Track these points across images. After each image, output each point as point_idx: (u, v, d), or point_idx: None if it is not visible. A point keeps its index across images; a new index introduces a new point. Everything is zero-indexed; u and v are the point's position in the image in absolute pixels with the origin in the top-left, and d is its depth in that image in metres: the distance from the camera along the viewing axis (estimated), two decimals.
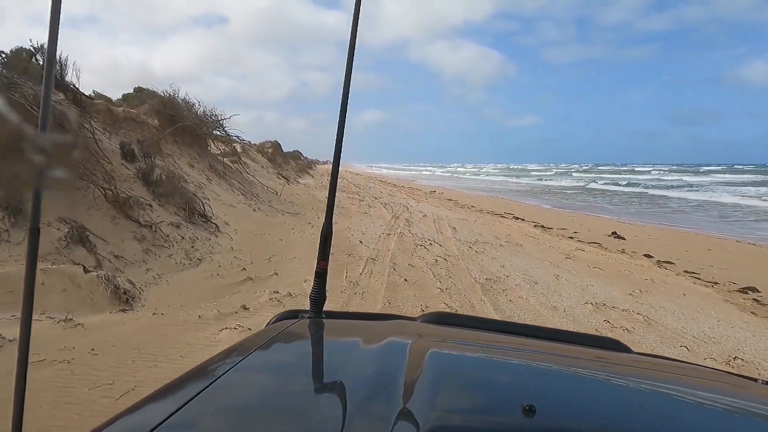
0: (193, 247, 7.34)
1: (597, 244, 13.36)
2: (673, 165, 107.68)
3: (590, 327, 6.12)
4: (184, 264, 6.68)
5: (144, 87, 12.36)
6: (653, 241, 14.62)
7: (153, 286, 5.80)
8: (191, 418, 0.82)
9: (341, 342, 1.41)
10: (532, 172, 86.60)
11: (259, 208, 12.01)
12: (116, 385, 3.35)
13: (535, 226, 16.13)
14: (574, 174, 72.36)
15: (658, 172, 71.94)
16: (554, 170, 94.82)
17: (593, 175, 67.60)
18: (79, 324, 4.19)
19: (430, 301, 6.37)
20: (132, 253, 6.22)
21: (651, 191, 35.95)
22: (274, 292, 5.92)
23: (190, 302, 5.47)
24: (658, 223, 18.92)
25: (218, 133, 14.49)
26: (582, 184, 47.88)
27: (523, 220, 17.63)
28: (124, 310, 4.93)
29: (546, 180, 58.48)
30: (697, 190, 35.09)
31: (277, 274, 6.98)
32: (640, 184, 44.92)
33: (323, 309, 1.51)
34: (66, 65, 7.79)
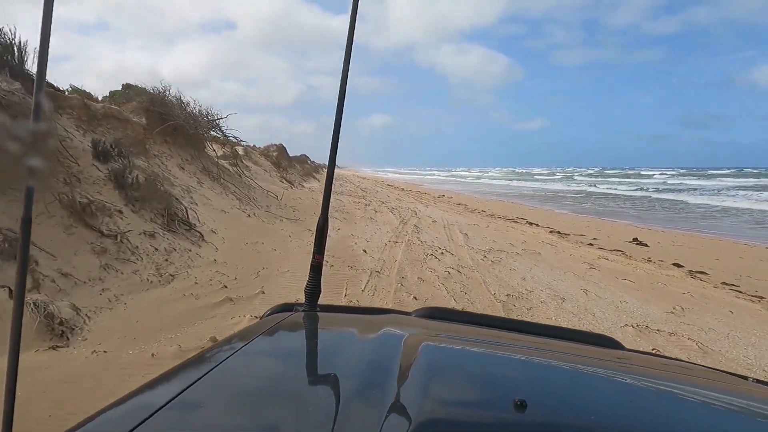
0: (167, 260, 6.14)
1: (620, 252, 12.14)
2: (680, 169, 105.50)
3: None
4: (151, 282, 5.46)
5: (133, 84, 11.23)
6: (678, 249, 13.36)
7: (105, 311, 4.59)
8: (184, 409, 0.81)
9: (335, 335, 1.38)
10: (536, 176, 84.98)
11: (254, 214, 10.79)
12: None
13: (550, 231, 14.86)
14: (579, 177, 70.91)
15: (664, 175, 70.18)
16: (560, 174, 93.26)
17: (600, 179, 66.16)
18: None
19: None
20: (86, 269, 5.02)
21: (665, 195, 34.57)
22: (256, 317, 4.72)
23: (148, 333, 4.28)
24: (678, 228, 17.59)
25: (216, 134, 13.32)
26: (590, 189, 46.43)
27: (537, 225, 16.35)
28: (56, 347, 3.74)
29: (553, 183, 57.00)
30: (714, 194, 33.60)
31: (264, 292, 5.78)
32: (648, 188, 43.52)
33: (318, 302, 1.47)
34: (25, 50, 6.60)
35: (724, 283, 9.42)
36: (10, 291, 3.97)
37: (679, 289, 8.83)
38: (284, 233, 9.73)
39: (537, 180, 70.40)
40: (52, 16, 0.78)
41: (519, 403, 0.80)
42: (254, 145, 26.12)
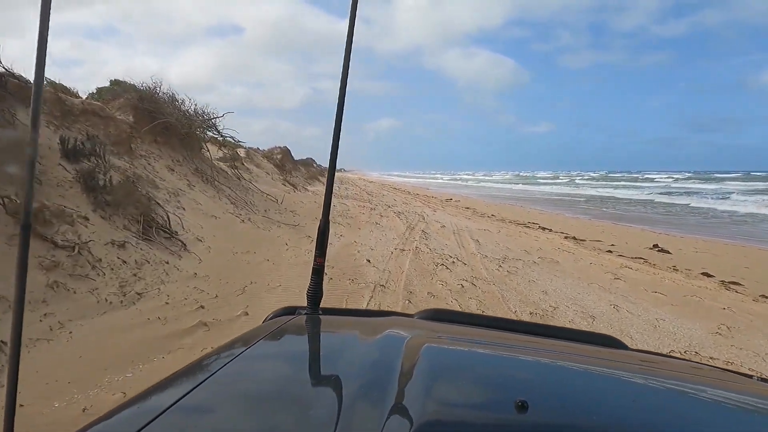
0: (135, 275, 5.15)
1: (642, 260, 11.12)
2: (686, 172, 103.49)
3: None
4: (110, 303, 4.47)
5: (121, 80, 10.29)
6: (702, 256, 12.31)
7: (42, 344, 3.60)
8: (188, 412, 0.80)
9: (337, 338, 1.36)
10: (541, 180, 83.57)
11: (249, 219, 9.78)
12: None
13: (565, 237, 13.80)
14: (585, 181, 69.65)
15: (670, 179, 68.65)
16: (565, 177, 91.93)
17: (605, 182, 64.90)
18: None
19: None
20: (27, 289, 4.05)
21: (676, 200, 33.40)
22: None
23: (90, 374, 3.30)
24: (697, 234, 16.48)
25: (212, 134, 12.35)
26: (597, 192, 45.26)
27: (550, 230, 15.28)
28: None
29: (559, 187, 55.78)
30: (726, 198, 32.36)
31: (247, 313, 4.79)
32: (655, 191, 42.32)
33: (320, 306, 1.44)
34: None
35: (763, 296, 8.39)
36: None
37: (716, 303, 7.84)
38: (280, 241, 8.72)
39: (541, 183, 69.12)
40: (48, 22, 0.77)
41: (520, 404, 0.78)
42: (258, 148, 25.23)
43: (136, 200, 6.30)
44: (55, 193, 5.55)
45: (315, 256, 1.45)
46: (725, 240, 15.30)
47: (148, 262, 5.52)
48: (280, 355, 1.16)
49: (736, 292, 8.66)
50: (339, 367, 1.02)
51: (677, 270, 10.27)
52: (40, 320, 3.86)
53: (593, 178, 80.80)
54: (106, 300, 4.46)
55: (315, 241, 1.47)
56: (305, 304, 1.43)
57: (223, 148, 14.71)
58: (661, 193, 38.86)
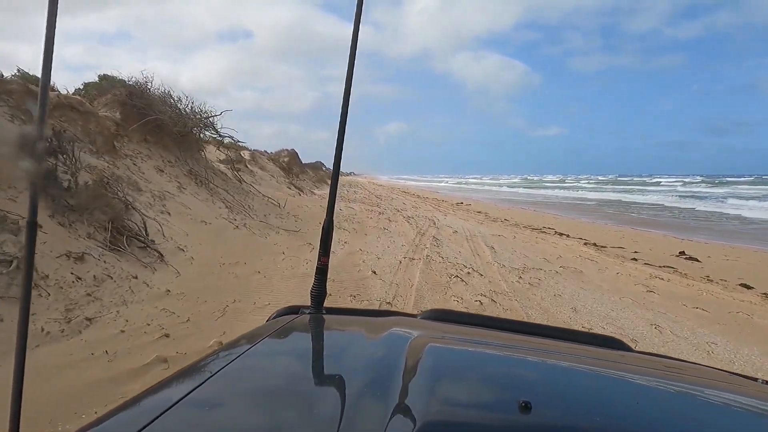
0: (90, 294, 4.20)
1: (671, 269, 10.06)
2: (696, 176, 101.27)
3: None
4: (48, 333, 3.52)
5: (110, 74, 9.41)
6: (734, 264, 11.20)
7: None
8: (192, 410, 0.78)
9: (341, 337, 1.32)
10: (551, 183, 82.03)
11: (245, 225, 8.82)
12: None
13: (585, 243, 12.73)
14: (598, 185, 68.20)
15: (682, 182, 66.92)
16: (579, 181, 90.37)
17: (615, 185, 63.44)
18: None
19: None
20: None
21: (692, 204, 32.10)
22: None
23: None
24: (722, 239, 15.33)
25: (210, 134, 11.45)
26: (612, 196, 43.97)
27: (567, 236, 14.20)
28: None
29: (571, 191, 54.43)
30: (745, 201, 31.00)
31: (221, 342, 3.86)
32: (672, 194, 40.96)
33: (323, 305, 1.41)
34: None
35: None
36: None
37: (766, 320, 6.81)
38: (277, 249, 7.75)
39: (551, 187, 67.68)
40: (55, 24, 0.76)
41: (523, 404, 0.77)
42: (265, 151, 24.37)
43: (105, 204, 5.38)
44: (4, 196, 4.64)
45: (319, 255, 1.42)
46: (754, 246, 14.17)
47: (111, 278, 4.58)
48: (283, 353, 1.13)
49: None
50: (342, 366, 1.01)
51: (712, 281, 9.23)
52: None
53: (603, 182, 79.28)
54: (42, 329, 3.51)
55: (319, 240, 1.43)
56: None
57: (225, 149, 13.81)
58: (680, 197, 37.60)
